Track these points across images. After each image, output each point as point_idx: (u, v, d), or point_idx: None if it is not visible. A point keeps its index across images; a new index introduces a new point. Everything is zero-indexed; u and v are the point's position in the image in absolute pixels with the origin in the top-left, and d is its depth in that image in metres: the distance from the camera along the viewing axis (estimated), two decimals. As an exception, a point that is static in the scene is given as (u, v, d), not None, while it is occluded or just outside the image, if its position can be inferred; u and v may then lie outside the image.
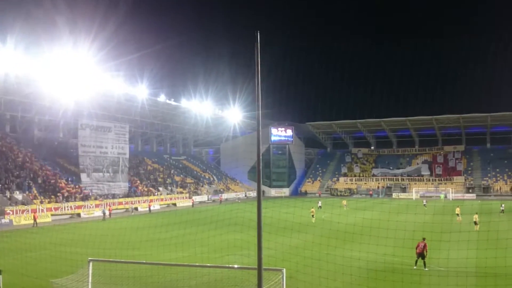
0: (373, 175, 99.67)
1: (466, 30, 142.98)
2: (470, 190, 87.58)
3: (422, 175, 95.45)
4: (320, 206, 57.60)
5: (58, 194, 56.38)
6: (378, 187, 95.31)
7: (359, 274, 21.06)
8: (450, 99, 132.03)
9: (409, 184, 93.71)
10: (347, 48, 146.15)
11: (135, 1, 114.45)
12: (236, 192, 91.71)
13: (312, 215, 46.44)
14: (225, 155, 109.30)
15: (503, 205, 53.02)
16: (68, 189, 59.05)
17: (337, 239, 27.96)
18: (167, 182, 79.16)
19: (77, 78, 56.55)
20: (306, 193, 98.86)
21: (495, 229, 27.53)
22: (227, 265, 21.23)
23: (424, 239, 23.34)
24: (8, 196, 51.20)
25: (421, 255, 22.86)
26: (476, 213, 39.49)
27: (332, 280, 19.40)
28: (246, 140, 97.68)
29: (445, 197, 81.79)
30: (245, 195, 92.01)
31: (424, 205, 61.35)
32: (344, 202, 62.95)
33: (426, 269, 22.61)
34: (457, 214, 46.20)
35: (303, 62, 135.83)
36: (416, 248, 23.16)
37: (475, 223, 37.77)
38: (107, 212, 54.21)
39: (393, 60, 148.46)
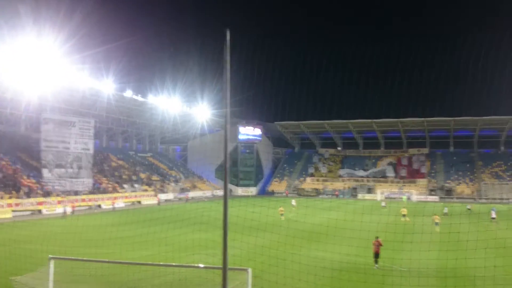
0: (340, 176, 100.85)
1: (432, 34, 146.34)
2: (433, 192, 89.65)
3: (387, 177, 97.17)
4: (294, 205, 59.25)
5: (19, 189, 54.79)
6: (344, 188, 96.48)
7: (324, 274, 21.21)
8: (415, 102, 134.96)
9: (374, 185, 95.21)
10: (316, 49, 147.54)
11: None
12: (203, 190, 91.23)
13: (281, 214, 46.62)
14: (192, 153, 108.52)
15: (446, 208, 54.05)
16: (29, 184, 57.46)
17: (302, 239, 28.13)
18: (132, 179, 78.02)
19: (41, 70, 54.92)
20: (273, 192, 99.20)
21: (456, 231, 28.17)
22: (191, 265, 21.01)
23: (377, 237, 24.13)
24: (-34, 191, 49.48)
25: (377, 253, 23.79)
26: (435, 214, 40.53)
27: (297, 280, 19.45)
28: (214, 138, 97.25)
29: (408, 198, 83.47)
30: (212, 194, 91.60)
31: (383, 206, 62.11)
32: (293, 201, 64.44)
33: (377, 266, 23.45)
34: (403, 215, 46.91)
35: (272, 61, 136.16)
36: (374, 247, 24.02)
37: (436, 223, 38.69)
38: (68, 209, 52.99)
39: (360, 63, 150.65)
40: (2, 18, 51.13)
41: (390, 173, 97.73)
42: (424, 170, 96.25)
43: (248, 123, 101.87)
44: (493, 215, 45.65)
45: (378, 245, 23.83)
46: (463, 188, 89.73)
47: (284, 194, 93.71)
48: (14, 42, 50.63)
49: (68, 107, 69.22)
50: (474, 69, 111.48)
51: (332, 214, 44.33)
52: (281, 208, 48.42)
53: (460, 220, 39.81)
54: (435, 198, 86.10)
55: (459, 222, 35.44)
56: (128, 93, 74.10)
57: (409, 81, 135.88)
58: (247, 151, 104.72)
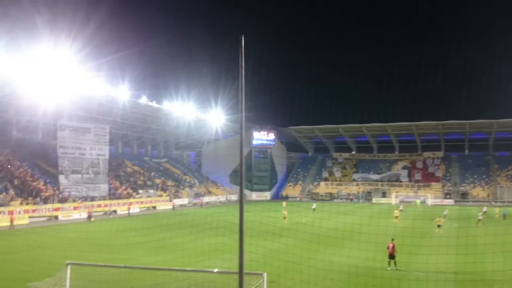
0: (354, 180, 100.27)
1: (446, 36, 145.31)
2: (448, 196, 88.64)
3: (401, 181, 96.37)
4: (314, 209, 60.76)
5: (36, 196, 55.43)
6: (358, 192, 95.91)
7: (340, 278, 21.11)
8: (430, 105, 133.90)
9: (389, 189, 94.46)
10: (330, 53, 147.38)
11: (118, 0, 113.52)
12: (217, 195, 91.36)
13: (284, 217, 47.05)
14: (206, 158, 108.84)
15: (446, 210, 53.83)
16: (46, 190, 58.10)
17: (318, 243, 28.05)
18: (147, 184, 78.49)
19: (57, 78, 55.57)
20: (287, 197, 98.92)
21: (474, 235, 27.90)
22: (207, 269, 21.07)
23: (393, 239, 24.21)
24: (-16, 198, 50.17)
25: (392, 255, 23.83)
26: (439, 217, 40.38)
27: (313, 285, 19.40)
28: (228, 143, 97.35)
29: (424, 202, 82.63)
30: (226, 199, 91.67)
31: (401, 210, 61.90)
32: (284, 204, 64.79)
33: (397, 268, 23.53)
34: (395, 217, 46.65)
35: (286, 66, 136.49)
36: (388, 249, 24.15)
37: (438, 226, 38.68)
38: (85, 215, 53.43)
39: (374, 66, 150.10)
40: (19, 28, 52.03)
41: (405, 177, 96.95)
42: (439, 173, 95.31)
43: (262, 128, 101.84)
44: (480, 217, 45.55)
45: (392, 247, 23.90)
46: (478, 191, 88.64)
47: (298, 199, 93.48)
48: (31, 51, 51.34)
49: (84, 113, 69.89)
50: (490, 71, 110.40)
51: (347, 218, 44.11)
52: (285, 212, 49.14)
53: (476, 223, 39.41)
54: (450, 201, 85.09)
55: (474, 226, 35.05)
56: (143, 100, 74.60)
57: (423, 84, 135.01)
58: (261, 156, 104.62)
